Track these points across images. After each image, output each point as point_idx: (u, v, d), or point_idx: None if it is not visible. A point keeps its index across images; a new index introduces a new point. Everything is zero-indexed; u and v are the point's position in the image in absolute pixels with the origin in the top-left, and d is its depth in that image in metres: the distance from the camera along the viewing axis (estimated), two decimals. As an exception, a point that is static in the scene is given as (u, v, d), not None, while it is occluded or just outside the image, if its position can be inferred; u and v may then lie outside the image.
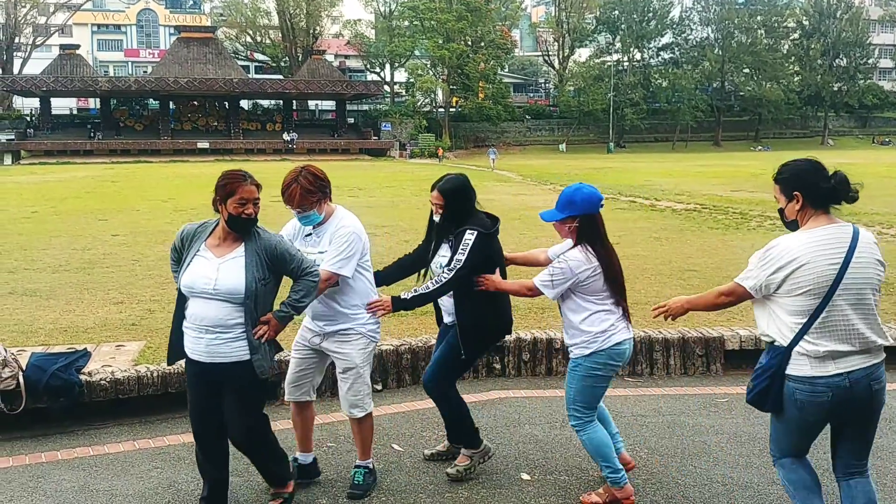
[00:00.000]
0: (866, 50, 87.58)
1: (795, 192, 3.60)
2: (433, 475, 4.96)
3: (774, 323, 3.58)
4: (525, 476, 4.96)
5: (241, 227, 4.11)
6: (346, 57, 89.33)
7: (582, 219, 4.44)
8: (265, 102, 76.37)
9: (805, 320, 3.48)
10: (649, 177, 35.35)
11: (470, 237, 4.67)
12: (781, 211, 3.69)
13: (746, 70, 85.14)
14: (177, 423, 5.86)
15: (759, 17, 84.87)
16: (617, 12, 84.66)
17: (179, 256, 4.33)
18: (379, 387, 6.51)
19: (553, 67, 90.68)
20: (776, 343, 3.58)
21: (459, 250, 4.65)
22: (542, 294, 4.48)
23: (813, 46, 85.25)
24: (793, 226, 3.65)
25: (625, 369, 6.95)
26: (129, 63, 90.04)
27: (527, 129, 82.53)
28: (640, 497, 4.61)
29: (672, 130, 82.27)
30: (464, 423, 4.95)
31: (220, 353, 4.13)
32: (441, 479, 4.89)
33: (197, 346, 4.19)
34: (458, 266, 4.61)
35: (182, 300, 4.31)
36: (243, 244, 4.14)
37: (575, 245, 4.49)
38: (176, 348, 4.37)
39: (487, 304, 4.76)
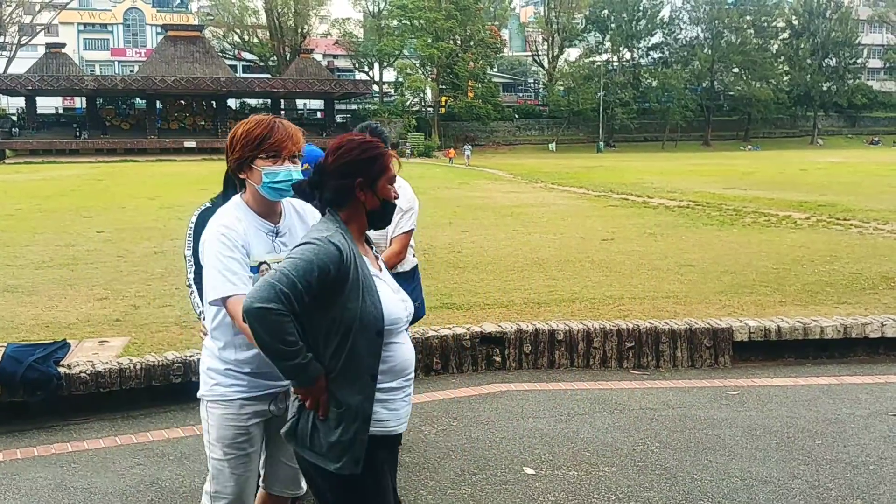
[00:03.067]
0: (855, 50, 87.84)
1: None
2: (435, 471, 4.68)
3: None
4: (529, 470, 4.70)
5: (387, 219, 2.81)
6: (335, 56, 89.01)
7: None
8: (253, 101, 76.02)
9: None
10: (640, 175, 35.18)
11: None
12: None
13: (736, 69, 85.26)
14: (160, 418, 5.57)
15: (748, 17, 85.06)
16: (606, 12, 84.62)
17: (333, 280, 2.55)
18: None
19: (542, 67, 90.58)
20: None
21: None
22: None
23: (802, 46, 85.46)
24: None
25: (629, 361, 6.70)
26: (116, 62, 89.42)
27: (516, 128, 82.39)
28: (656, 493, 4.34)
29: (662, 130, 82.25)
30: None
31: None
32: (444, 475, 4.61)
33: (402, 412, 2.76)
34: None
35: (366, 352, 2.62)
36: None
37: None
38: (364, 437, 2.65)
39: None
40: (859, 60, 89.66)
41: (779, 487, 4.41)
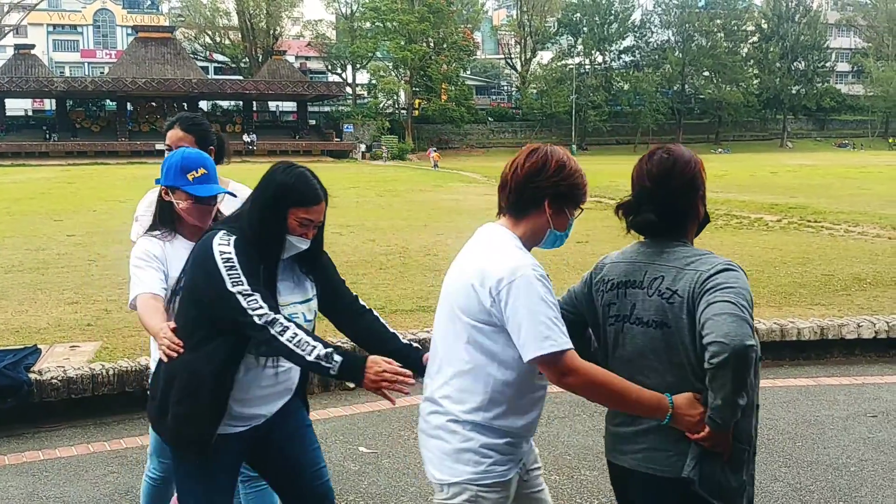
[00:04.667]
0: (824, 53, 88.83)
1: None
2: (415, 476, 4.63)
3: None
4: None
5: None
6: (307, 58, 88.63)
7: None
8: (225, 103, 75.47)
9: None
10: (613, 178, 35.23)
11: None
12: None
13: (706, 73, 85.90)
14: (134, 424, 5.47)
15: (718, 21, 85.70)
16: (578, 15, 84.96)
17: None
18: (352, 385, 6.18)
19: (515, 70, 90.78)
20: None
21: None
22: None
23: (772, 50, 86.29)
24: None
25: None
26: (86, 63, 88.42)
27: (490, 131, 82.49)
28: None
29: (634, 133, 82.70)
30: None
31: None
32: (425, 480, 4.56)
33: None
34: None
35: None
36: None
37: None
38: None
39: None
40: (828, 64, 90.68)
41: (760, 490, 4.40)
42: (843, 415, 5.65)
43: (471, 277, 2.52)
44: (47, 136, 64.25)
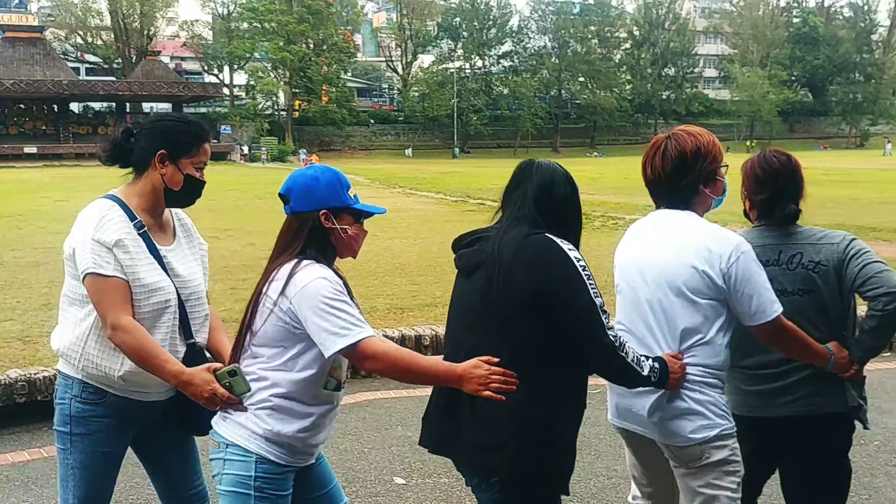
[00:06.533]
0: (692, 60, 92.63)
1: None
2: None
3: None
4: (399, 480, 4.66)
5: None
6: (183, 59, 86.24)
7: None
8: (97, 105, 72.66)
9: None
10: (495, 180, 35.74)
11: None
12: None
13: (582, 78, 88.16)
14: (4, 440, 5.18)
15: (592, 27, 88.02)
16: (458, 19, 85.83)
17: None
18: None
19: (397, 72, 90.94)
20: None
21: None
22: None
23: (643, 56, 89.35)
24: None
25: None
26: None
27: (372, 133, 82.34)
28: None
29: (514, 137, 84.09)
30: None
31: None
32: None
33: None
34: None
35: None
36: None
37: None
38: None
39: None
40: (696, 70, 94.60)
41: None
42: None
43: (691, 258, 2.80)
44: None
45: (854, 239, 3.06)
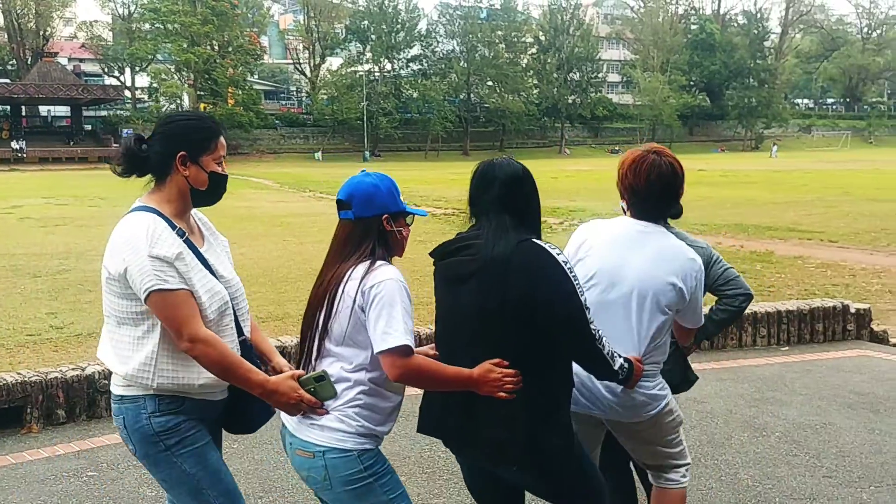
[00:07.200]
0: (596, 65, 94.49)
1: None
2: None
3: None
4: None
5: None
6: (82, 60, 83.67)
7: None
8: (-11, 108, 69.94)
9: None
10: (406, 184, 35.85)
11: None
12: None
13: (490, 83, 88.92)
14: None
15: (500, 32, 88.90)
16: (366, 22, 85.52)
17: None
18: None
19: (305, 75, 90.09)
20: None
21: None
22: None
23: (549, 61, 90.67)
24: None
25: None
26: None
27: (281, 136, 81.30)
28: (444, 499, 4.41)
29: (424, 140, 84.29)
30: None
31: None
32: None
33: None
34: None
35: None
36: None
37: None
38: None
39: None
40: (600, 75, 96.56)
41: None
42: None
43: (668, 275, 3.17)
44: None
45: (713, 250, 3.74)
